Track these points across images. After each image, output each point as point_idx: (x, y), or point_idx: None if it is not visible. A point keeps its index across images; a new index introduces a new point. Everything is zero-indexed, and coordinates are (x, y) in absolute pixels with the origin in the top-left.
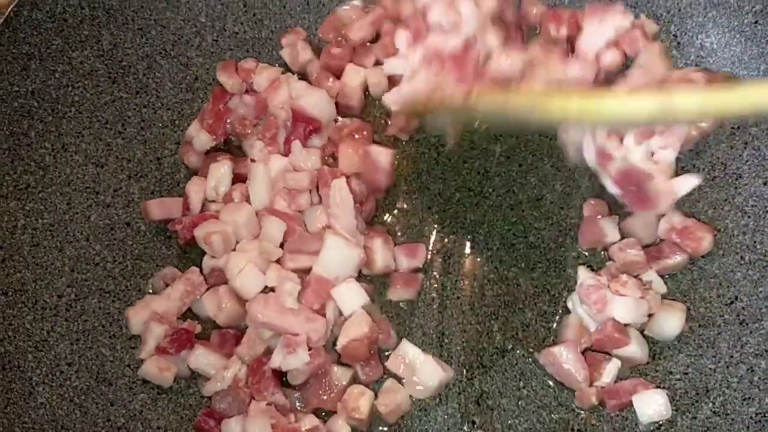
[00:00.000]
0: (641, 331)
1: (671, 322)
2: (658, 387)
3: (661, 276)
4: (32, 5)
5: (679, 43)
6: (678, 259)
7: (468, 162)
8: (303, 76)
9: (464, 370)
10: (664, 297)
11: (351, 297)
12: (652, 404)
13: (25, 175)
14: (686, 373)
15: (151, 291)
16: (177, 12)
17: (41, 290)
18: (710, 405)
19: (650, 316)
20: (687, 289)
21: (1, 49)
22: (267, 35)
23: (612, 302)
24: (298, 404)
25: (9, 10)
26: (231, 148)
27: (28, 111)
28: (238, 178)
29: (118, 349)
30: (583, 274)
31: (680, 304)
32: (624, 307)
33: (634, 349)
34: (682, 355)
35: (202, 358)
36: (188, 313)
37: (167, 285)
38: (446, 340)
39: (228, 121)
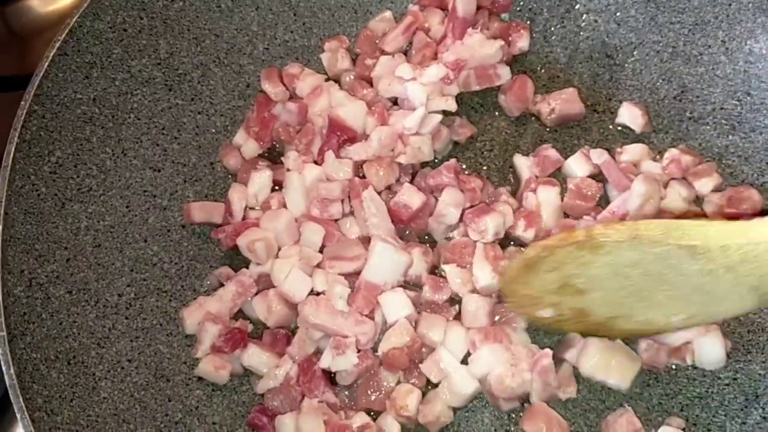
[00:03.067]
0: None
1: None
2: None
3: None
4: (94, 16)
5: (727, 48)
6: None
7: None
8: (336, 83)
9: None
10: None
11: (397, 306)
12: None
13: (87, 179)
14: (735, 379)
15: (205, 290)
16: (230, 21)
17: (103, 289)
18: (760, 411)
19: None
20: None
21: (66, 59)
22: (315, 43)
23: None
24: (348, 401)
25: (73, 21)
26: (269, 153)
27: (90, 117)
28: (276, 185)
29: (174, 346)
30: None
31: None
32: None
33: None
34: (731, 360)
35: (255, 356)
36: (239, 314)
37: (221, 284)
38: None
39: (273, 128)
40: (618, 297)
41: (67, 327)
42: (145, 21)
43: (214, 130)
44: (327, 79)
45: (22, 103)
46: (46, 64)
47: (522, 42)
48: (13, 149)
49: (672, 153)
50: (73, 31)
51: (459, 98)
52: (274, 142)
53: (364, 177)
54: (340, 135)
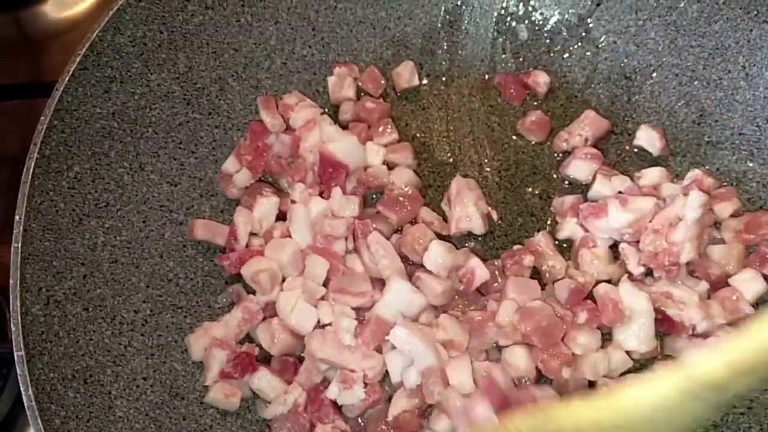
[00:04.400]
0: None
1: None
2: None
3: None
4: (115, 31)
5: (747, 74)
6: None
7: None
8: (337, 109)
9: None
10: None
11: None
12: None
13: (105, 193)
14: (750, 408)
15: (219, 306)
16: (249, 36)
17: (119, 306)
18: None
19: None
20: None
21: (86, 73)
22: (333, 58)
23: None
24: (358, 428)
25: (94, 35)
26: (266, 180)
27: (109, 132)
28: (279, 214)
29: (189, 364)
30: None
31: None
32: None
33: None
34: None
35: (264, 381)
36: (245, 337)
37: (234, 303)
38: None
39: (267, 159)
40: None
41: (84, 345)
42: (165, 35)
43: (230, 145)
44: (323, 112)
45: (42, 118)
46: (67, 78)
47: (541, 88)
48: (32, 165)
49: (694, 173)
50: (94, 45)
51: None
52: (265, 174)
53: (371, 205)
54: (332, 171)
